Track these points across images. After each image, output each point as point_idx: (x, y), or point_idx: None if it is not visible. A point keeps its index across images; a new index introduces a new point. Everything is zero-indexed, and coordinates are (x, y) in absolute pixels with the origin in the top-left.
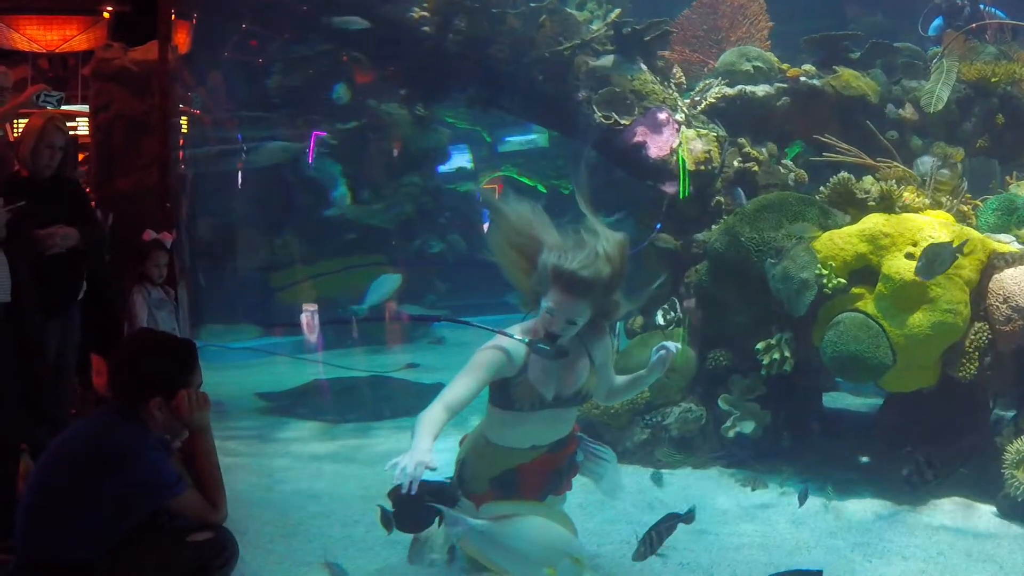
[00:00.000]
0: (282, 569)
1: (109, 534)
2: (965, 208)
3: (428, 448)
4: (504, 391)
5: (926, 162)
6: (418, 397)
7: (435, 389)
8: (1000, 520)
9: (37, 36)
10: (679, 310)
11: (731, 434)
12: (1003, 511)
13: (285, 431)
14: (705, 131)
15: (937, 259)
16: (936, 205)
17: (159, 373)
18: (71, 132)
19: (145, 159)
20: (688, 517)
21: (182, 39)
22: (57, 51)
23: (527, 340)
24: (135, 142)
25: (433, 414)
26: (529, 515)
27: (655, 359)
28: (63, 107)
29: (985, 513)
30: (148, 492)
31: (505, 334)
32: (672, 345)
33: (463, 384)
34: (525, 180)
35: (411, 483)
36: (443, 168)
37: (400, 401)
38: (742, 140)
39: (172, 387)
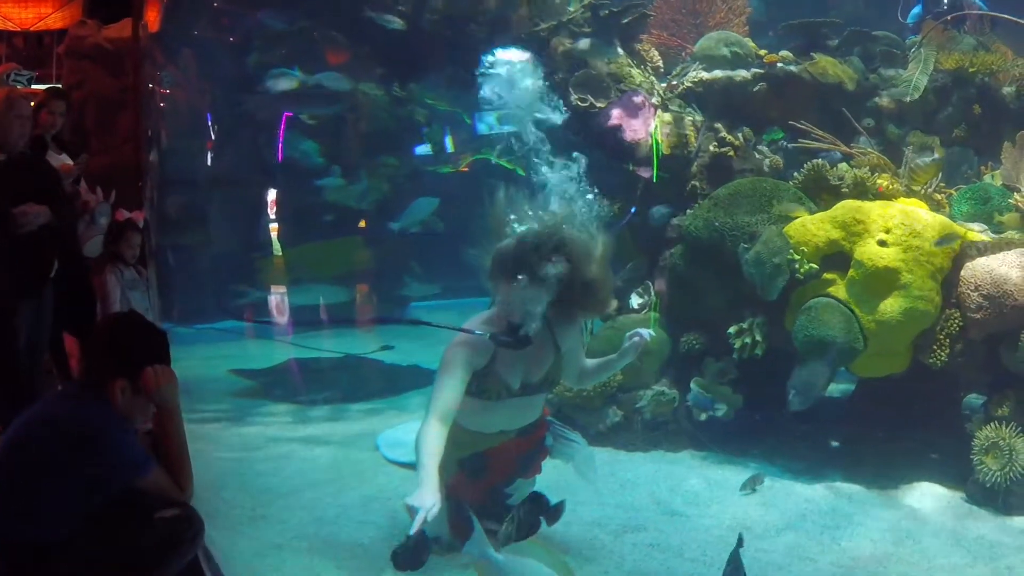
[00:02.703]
0: (252, 550)
1: (78, 513)
2: (939, 196)
3: (436, 488)
4: (472, 382)
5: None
6: (393, 379)
7: (410, 371)
8: (969, 505)
9: (12, 14)
10: (652, 293)
11: (703, 417)
12: (972, 497)
13: (257, 412)
14: (681, 115)
15: (811, 387)
16: (910, 193)
17: (125, 352)
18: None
19: (119, 137)
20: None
21: (153, 16)
22: (32, 29)
23: (488, 334)
24: (109, 120)
25: (431, 433)
26: (541, 564)
27: (628, 345)
28: (33, 86)
29: (955, 498)
30: (115, 471)
31: (466, 331)
32: (646, 332)
33: (445, 390)
34: (504, 163)
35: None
36: (420, 149)
37: (374, 383)
38: (718, 125)
39: (138, 366)
